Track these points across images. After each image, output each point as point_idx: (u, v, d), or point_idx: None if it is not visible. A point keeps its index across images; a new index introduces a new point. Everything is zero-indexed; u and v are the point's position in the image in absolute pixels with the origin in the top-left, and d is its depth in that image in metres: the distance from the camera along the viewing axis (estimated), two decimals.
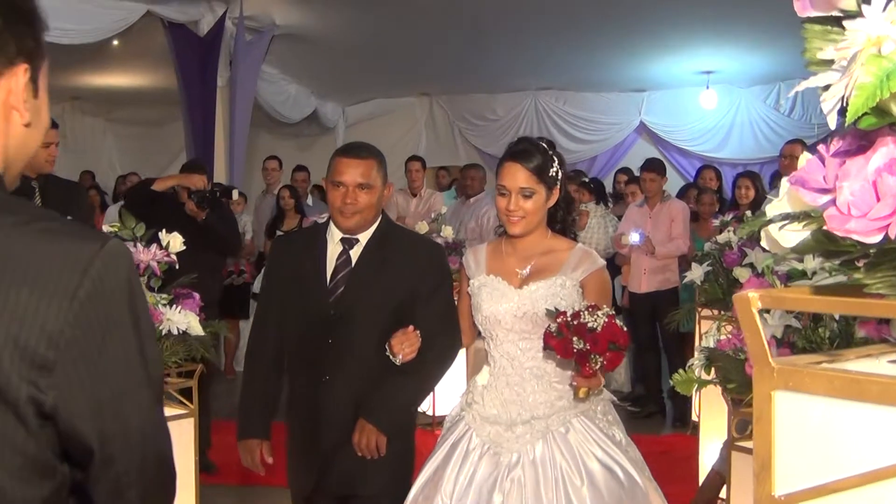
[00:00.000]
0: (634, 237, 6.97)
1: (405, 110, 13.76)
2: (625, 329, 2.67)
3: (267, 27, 9.24)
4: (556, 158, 2.93)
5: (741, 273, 4.96)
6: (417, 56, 10.56)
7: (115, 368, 1.18)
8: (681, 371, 2.82)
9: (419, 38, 9.74)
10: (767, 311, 2.41)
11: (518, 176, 2.86)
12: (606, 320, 2.60)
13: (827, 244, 0.95)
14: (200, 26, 8.76)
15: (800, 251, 0.97)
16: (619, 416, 3.07)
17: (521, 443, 2.85)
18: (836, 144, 0.96)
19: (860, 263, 0.96)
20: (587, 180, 8.71)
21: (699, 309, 5.51)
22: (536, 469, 2.80)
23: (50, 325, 1.10)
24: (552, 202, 2.94)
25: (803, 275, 2.62)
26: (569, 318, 2.63)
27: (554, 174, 2.90)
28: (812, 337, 2.50)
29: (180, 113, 9.27)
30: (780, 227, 0.95)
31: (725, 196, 8.46)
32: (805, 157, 0.97)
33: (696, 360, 2.85)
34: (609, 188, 9.55)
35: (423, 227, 6.74)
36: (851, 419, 0.92)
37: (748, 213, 5.79)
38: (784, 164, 7.00)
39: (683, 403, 6.61)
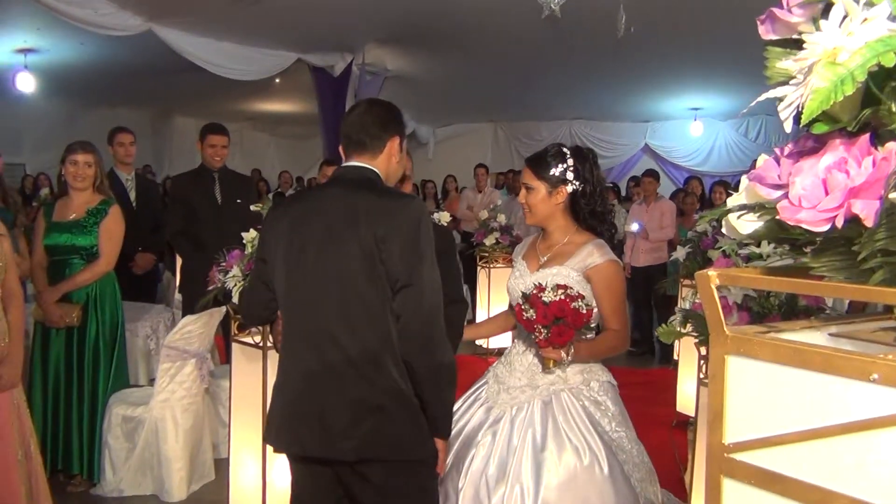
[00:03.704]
0: (634, 227, 6.90)
1: (477, 132, 13.66)
2: (582, 311, 2.14)
3: (381, 71, 9.17)
4: (569, 163, 2.39)
5: (713, 254, 4.72)
6: (487, 93, 10.53)
7: (412, 250, 1.85)
8: (664, 325, 2.61)
9: (489, 80, 9.69)
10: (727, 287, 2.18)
11: (524, 174, 2.45)
12: (562, 298, 2.13)
13: (778, 231, 0.77)
14: (335, 70, 8.74)
15: (754, 237, 0.79)
16: (622, 355, 2.63)
17: (510, 404, 2.38)
18: (789, 147, 0.77)
19: (807, 249, 0.77)
20: (612, 185, 8.95)
21: (682, 279, 5.29)
22: (513, 428, 2.32)
23: (384, 229, 1.83)
24: (558, 200, 2.39)
25: (760, 257, 2.41)
26: (535, 291, 2.19)
27: (558, 175, 2.37)
28: (764, 304, 2.29)
29: (320, 131, 9.28)
30: (739, 216, 0.77)
31: (706, 198, 8.21)
32: (762, 158, 0.78)
33: (676, 318, 2.65)
34: (623, 191, 9.76)
35: (484, 214, 6.61)
36: (794, 383, 0.74)
37: None
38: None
39: (668, 346, 6.39)
